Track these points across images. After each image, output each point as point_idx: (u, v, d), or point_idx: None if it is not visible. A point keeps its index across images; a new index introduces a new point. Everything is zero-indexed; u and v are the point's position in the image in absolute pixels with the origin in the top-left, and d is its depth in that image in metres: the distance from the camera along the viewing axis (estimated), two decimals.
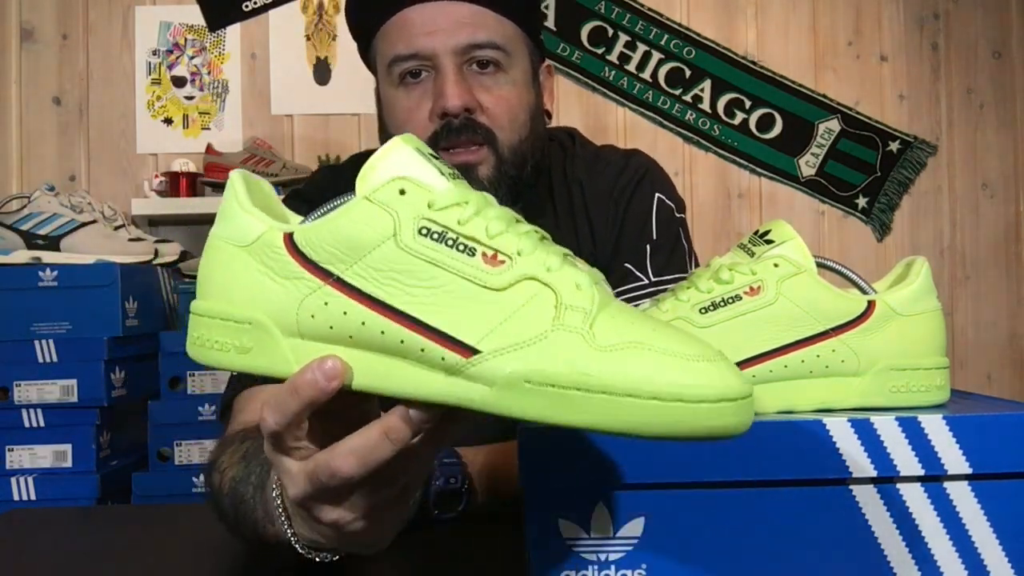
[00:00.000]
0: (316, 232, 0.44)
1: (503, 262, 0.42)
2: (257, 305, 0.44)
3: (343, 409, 0.45)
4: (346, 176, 1.04)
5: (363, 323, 0.43)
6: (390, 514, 0.49)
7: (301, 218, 0.47)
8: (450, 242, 0.42)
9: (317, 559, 0.56)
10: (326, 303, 0.43)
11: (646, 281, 0.96)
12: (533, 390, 0.40)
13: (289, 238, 0.44)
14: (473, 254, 0.42)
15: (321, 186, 1.05)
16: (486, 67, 0.91)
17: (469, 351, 0.41)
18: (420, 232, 0.42)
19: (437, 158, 0.45)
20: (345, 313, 0.43)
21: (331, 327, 0.43)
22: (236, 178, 0.47)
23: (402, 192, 0.43)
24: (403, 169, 0.43)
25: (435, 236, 0.42)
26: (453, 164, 0.90)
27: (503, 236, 0.43)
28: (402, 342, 0.42)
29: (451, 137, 0.89)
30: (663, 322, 0.44)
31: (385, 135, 0.96)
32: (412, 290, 0.42)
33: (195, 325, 0.46)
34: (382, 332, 0.42)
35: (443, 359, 0.41)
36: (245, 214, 0.45)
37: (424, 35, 0.89)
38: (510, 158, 0.91)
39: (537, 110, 0.97)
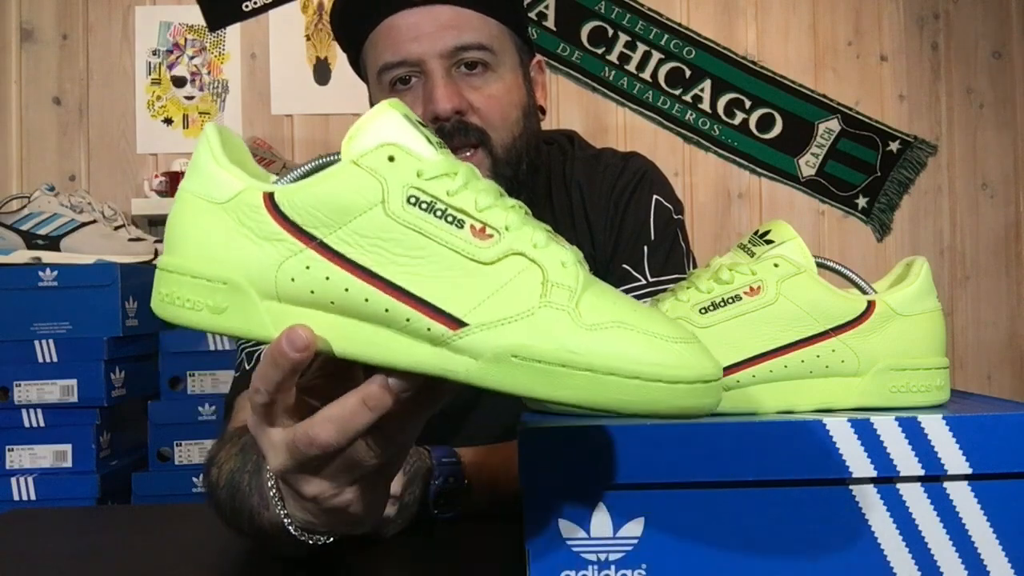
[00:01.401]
0: (299, 194, 0.43)
1: (491, 236, 0.42)
2: (233, 265, 0.43)
3: (333, 385, 0.45)
4: None
5: (346, 289, 0.42)
6: (371, 490, 0.50)
7: (275, 177, 0.46)
8: (439, 213, 0.42)
9: (310, 542, 0.56)
10: (308, 267, 0.42)
11: (644, 281, 0.96)
12: (520, 365, 0.41)
13: (269, 198, 0.43)
14: (462, 226, 0.42)
15: None
16: (474, 68, 0.91)
17: (456, 323, 0.41)
18: (409, 201, 0.42)
19: (424, 125, 0.45)
20: (327, 278, 0.42)
21: (312, 291, 0.42)
22: (211, 131, 0.45)
23: (391, 159, 0.42)
24: (392, 135, 0.43)
25: (424, 206, 0.42)
26: None
27: (491, 210, 0.43)
28: (387, 311, 0.42)
29: (444, 141, 0.89)
30: (642, 304, 0.45)
31: None
32: (399, 259, 0.42)
33: (163, 281, 0.45)
34: (366, 299, 0.42)
35: (429, 330, 0.41)
36: (221, 170, 0.44)
37: (410, 41, 0.89)
38: (504, 157, 0.92)
39: (529, 107, 0.97)
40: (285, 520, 0.55)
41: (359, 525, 0.52)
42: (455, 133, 0.89)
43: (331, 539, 0.57)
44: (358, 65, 0.99)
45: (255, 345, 0.90)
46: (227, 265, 0.43)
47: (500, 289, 0.42)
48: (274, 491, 0.56)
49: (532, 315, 0.41)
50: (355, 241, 0.42)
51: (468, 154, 0.90)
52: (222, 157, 0.44)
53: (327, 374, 0.48)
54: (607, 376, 0.40)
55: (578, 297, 0.42)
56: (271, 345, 0.43)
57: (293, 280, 0.43)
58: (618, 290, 0.45)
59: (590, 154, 1.06)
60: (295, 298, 0.43)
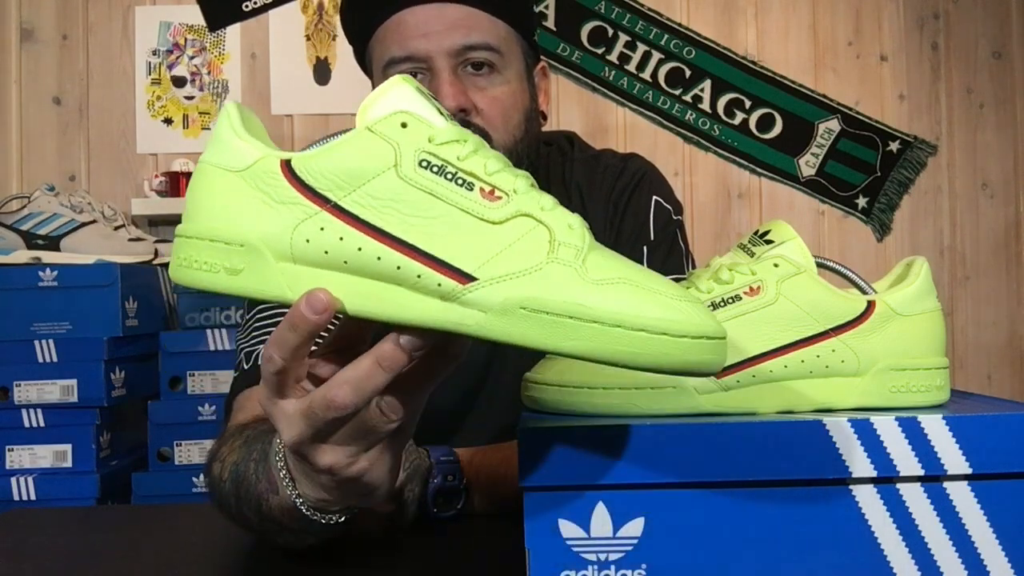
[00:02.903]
0: (315, 159, 0.44)
1: (500, 198, 0.44)
2: (249, 228, 0.45)
3: (342, 360, 0.46)
4: None
5: (359, 248, 0.43)
6: (384, 457, 0.50)
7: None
8: (449, 175, 0.44)
9: (323, 520, 0.56)
10: (322, 228, 0.44)
11: None
12: (528, 316, 0.42)
13: (286, 164, 0.45)
14: (471, 188, 0.44)
15: None
16: (480, 68, 0.91)
17: (466, 278, 0.42)
18: (420, 164, 0.44)
19: (435, 98, 0.46)
20: (341, 239, 0.43)
21: (326, 252, 0.44)
22: (231, 107, 0.47)
23: (404, 125, 0.44)
24: (404, 104, 0.45)
25: (435, 169, 0.44)
26: None
27: (500, 174, 0.45)
28: (398, 268, 0.43)
29: None
30: (645, 268, 0.46)
31: None
32: (410, 219, 0.43)
33: (181, 247, 0.46)
34: (378, 258, 0.43)
35: (439, 285, 0.43)
36: (240, 141, 0.46)
37: (418, 37, 0.89)
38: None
39: (532, 111, 0.97)
40: (297, 501, 0.55)
41: (372, 496, 0.52)
42: None
43: (343, 518, 0.57)
44: (363, 59, 0.99)
45: (254, 345, 0.90)
46: (243, 228, 0.45)
47: (509, 247, 0.43)
48: (284, 472, 0.56)
49: (540, 270, 0.43)
50: (368, 203, 0.43)
51: None
52: (241, 129, 0.46)
53: (336, 349, 0.48)
54: (613, 328, 0.41)
55: (584, 255, 0.43)
56: (291, 310, 0.44)
57: (308, 241, 0.44)
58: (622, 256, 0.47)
59: (589, 155, 1.06)
60: (310, 259, 0.44)
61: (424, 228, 0.43)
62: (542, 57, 1.03)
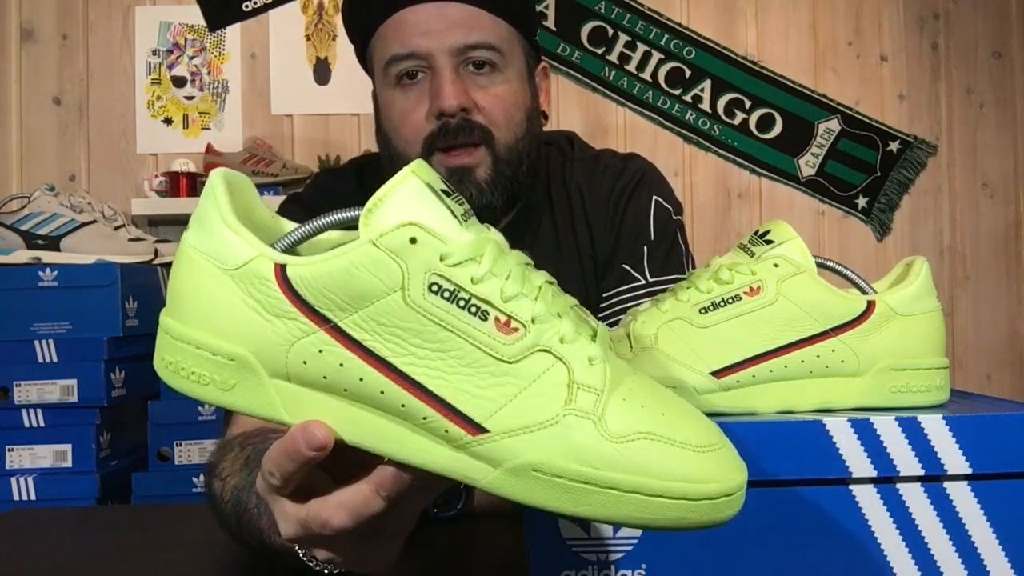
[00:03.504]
0: (313, 272, 0.40)
1: (516, 330, 0.40)
2: (242, 340, 0.41)
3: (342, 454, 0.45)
4: (345, 181, 1.05)
5: (361, 379, 0.40)
6: (382, 551, 0.49)
7: (287, 223, 0.45)
8: (462, 303, 0.40)
9: (325, 571, 0.56)
10: (320, 351, 0.40)
11: (644, 281, 0.96)
12: (541, 479, 0.39)
13: (281, 271, 0.40)
14: (485, 318, 0.40)
15: (320, 191, 1.05)
16: (481, 67, 0.91)
17: (476, 428, 0.39)
18: (430, 288, 0.39)
19: (450, 194, 0.42)
20: (342, 365, 0.40)
21: (324, 377, 0.41)
22: (217, 181, 0.42)
23: (413, 241, 0.39)
24: (414, 212, 0.40)
25: (446, 295, 0.40)
26: (450, 168, 0.91)
27: (517, 300, 0.41)
28: (403, 406, 0.40)
29: (448, 138, 0.89)
30: (673, 397, 0.43)
31: (382, 136, 0.97)
32: (417, 351, 0.40)
33: (168, 347, 0.43)
34: (381, 392, 0.40)
35: (447, 431, 0.40)
36: (229, 232, 0.41)
37: (420, 35, 0.89)
38: (506, 157, 0.92)
39: (533, 110, 0.97)
40: (300, 552, 0.55)
41: (374, 570, 0.52)
42: (459, 131, 0.89)
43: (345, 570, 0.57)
44: (364, 58, 0.99)
45: None
46: (234, 340, 0.41)
47: (523, 391, 0.40)
48: None
49: (556, 424, 0.39)
50: (371, 328, 0.40)
51: (470, 151, 0.90)
52: (230, 215, 0.42)
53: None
54: (630, 495, 0.39)
55: (605, 402, 0.40)
56: (286, 439, 0.42)
57: (305, 363, 0.40)
58: (646, 378, 0.43)
59: (589, 155, 1.06)
60: (306, 381, 0.41)
61: (432, 363, 0.40)
62: (543, 57, 1.03)
